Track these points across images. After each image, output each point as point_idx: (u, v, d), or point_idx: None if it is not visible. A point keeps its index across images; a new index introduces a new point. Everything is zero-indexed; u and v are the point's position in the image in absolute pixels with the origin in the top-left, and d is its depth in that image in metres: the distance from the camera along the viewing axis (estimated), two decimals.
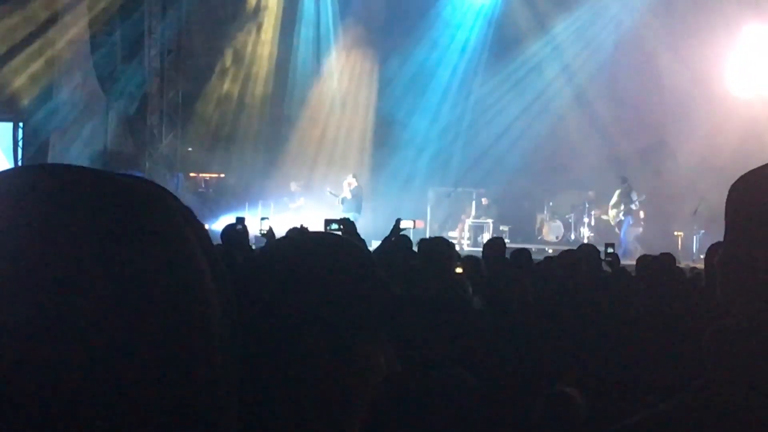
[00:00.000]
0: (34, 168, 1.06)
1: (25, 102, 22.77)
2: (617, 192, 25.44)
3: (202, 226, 1.11)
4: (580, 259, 8.66)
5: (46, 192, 1.01)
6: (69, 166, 1.07)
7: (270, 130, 28.05)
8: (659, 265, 8.37)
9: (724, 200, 1.81)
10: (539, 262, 10.08)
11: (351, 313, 1.87)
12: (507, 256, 10.15)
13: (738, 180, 1.82)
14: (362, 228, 9.30)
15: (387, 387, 1.96)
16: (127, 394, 0.95)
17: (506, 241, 24.64)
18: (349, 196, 25.23)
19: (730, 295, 1.75)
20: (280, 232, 11.37)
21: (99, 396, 0.94)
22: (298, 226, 10.97)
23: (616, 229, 25.21)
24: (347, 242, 2.05)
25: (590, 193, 26.93)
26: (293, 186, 26.87)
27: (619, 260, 11.30)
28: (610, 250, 11.90)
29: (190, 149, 27.99)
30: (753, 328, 1.70)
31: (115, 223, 1.00)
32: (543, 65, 28.21)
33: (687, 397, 1.72)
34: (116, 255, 0.98)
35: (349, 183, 25.43)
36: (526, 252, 10.21)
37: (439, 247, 7.16)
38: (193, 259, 1.05)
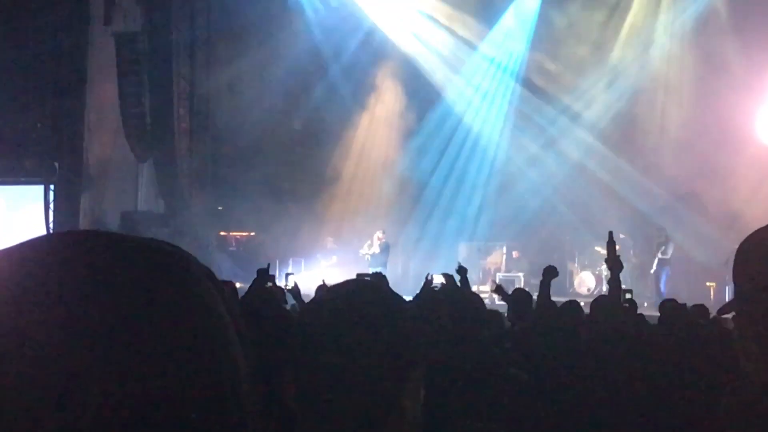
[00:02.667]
0: (62, 235, 1.08)
1: (56, 164, 22.95)
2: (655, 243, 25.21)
3: (223, 287, 1.13)
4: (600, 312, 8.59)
5: (75, 258, 1.03)
6: (96, 232, 1.09)
7: (300, 187, 28.13)
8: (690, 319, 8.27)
9: None
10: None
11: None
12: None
13: (743, 241, 1.82)
14: (393, 284, 9.27)
15: None
16: None
17: (536, 293, 24.70)
18: (377, 251, 25.28)
19: (746, 354, 1.74)
20: (311, 288, 11.38)
21: None
22: (322, 283, 10.96)
23: (654, 280, 24.96)
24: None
25: (622, 235, 26.76)
26: (329, 243, 26.95)
27: (636, 307, 11.16)
28: (627, 296, 11.74)
29: (220, 208, 28.13)
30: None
31: (142, 287, 1.02)
32: (571, 116, 28.23)
33: None
34: (144, 317, 1.00)
35: (378, 237, 25.50)
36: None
37: (468, 303, 7.14)
38: (220, 319, 1.07)
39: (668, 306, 10.10)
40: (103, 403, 0.94)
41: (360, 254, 25.60)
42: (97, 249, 1.05)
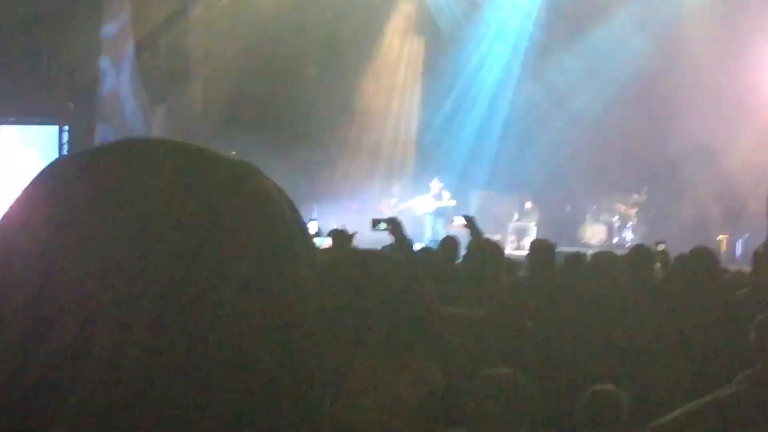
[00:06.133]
0: (126, 142, 1.10)
1: (71, 104, 22.93)
2: None
3: (297, 210, 1.10)
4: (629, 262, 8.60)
5: (145, 164, 1.03)
6: (161, 140, 1.09)
7: (316, 132, 28.00)
8: (697, 262, 8.31)
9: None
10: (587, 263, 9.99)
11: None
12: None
13: None
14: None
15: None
16: (233, 376, 0.95)
17: None
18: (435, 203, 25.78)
19: None
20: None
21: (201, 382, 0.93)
22: (339, 228, 10.97)
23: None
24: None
25: (635, 196, 26.77)
26: (396, 188, 27.02)
27: (669, 259, 11.12)
28: (660, 247, 11.69)
29: (233, 152, 27.97)
30: None
31: (214, 197, 1.00)
32: (586, 68, 28.04)
33: (738, 385, 1.74)
34: (216, 231, 0.98)
35: (434, 186, 25.97)
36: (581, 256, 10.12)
37: (489, 251, 7.16)
38: (296, 240, 1.05)
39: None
40: (158, 321, 0.93)
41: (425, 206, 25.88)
42: (168, 155, 1.04)
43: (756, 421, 1.64)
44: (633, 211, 26.62)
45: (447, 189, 26.79)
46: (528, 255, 9.90)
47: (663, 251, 11.36)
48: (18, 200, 1.01)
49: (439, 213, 25.74)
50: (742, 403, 1.69)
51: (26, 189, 1.02)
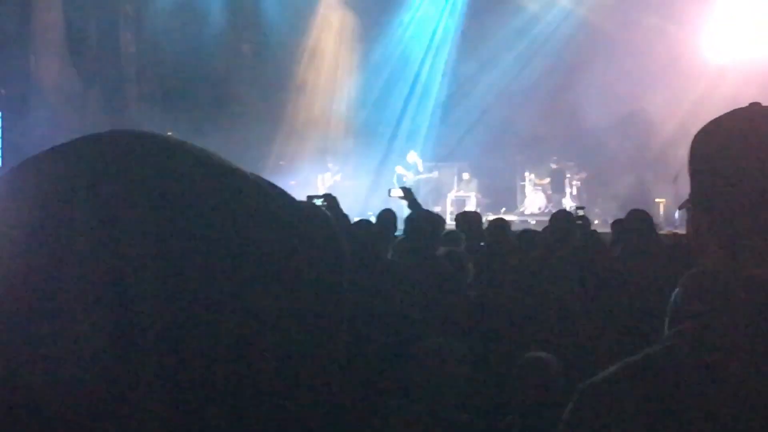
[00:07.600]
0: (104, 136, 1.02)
1: (2, 91, 22.69)
2: None
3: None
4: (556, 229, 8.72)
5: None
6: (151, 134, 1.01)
7: (250, 110, 27.86)
8: (634, 224, 8.45)
9: None
10: (519, 233, 10.17)
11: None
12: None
13: (700, 130, 1.84)
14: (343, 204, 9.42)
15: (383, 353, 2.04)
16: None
17: (488, 213, 24.87)
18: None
19: (702, 240, 1.78)
20: None
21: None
22: None
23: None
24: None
25: (570, 163, 26.93)
26: (329, 164, 27.03)
27: (589, 223, 11.43)
28: (580, 212, 11.98)
29: (170, 132, 27.85)
30: (727, 270, 1.73)
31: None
32: (518, 36, 28.15)
33: (666, 342, 1.74)
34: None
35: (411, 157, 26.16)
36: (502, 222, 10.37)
37: (425, 223, 7.21)
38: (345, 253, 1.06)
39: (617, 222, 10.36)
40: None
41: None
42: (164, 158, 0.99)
43: (685, 376, 1.64)
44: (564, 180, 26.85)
45: (388, 162, 26.85)
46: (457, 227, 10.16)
47: (582, 216, 11.60)
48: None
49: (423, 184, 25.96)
50: (670, 359, 1.69)
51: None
